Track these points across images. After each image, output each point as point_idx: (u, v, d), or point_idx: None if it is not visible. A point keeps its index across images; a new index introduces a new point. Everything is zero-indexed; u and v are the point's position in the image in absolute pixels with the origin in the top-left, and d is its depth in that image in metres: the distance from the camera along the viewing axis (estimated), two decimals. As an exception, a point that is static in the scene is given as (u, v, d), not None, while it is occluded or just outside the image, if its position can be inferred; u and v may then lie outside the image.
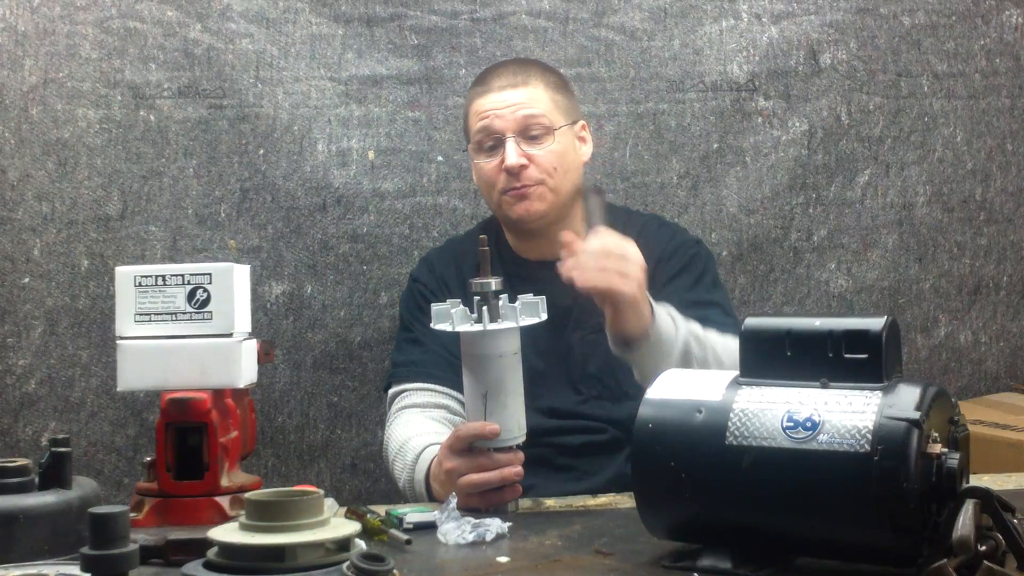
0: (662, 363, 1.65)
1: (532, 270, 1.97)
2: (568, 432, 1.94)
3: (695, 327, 1.74)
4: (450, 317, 1.55)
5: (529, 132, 1.94)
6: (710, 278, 1.99)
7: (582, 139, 2.05)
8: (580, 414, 1.95)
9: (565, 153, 1.97)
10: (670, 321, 1.70)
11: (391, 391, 1.98)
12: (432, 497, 1.69)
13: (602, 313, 1.71)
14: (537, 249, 2.01)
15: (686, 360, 1.69)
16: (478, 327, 1.55)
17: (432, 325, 1.59)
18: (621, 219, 2.06)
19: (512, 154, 1.92)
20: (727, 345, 1.75)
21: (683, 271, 1.97)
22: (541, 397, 1.90)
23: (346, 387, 2.42)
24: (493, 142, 1.96)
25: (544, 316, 1.59)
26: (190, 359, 1.44)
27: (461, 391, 1.83)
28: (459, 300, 1.59)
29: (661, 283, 1.94)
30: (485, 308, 1.55)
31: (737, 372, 1.26)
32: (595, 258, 1.64)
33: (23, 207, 2.32)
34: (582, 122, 2.07)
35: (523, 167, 1.92)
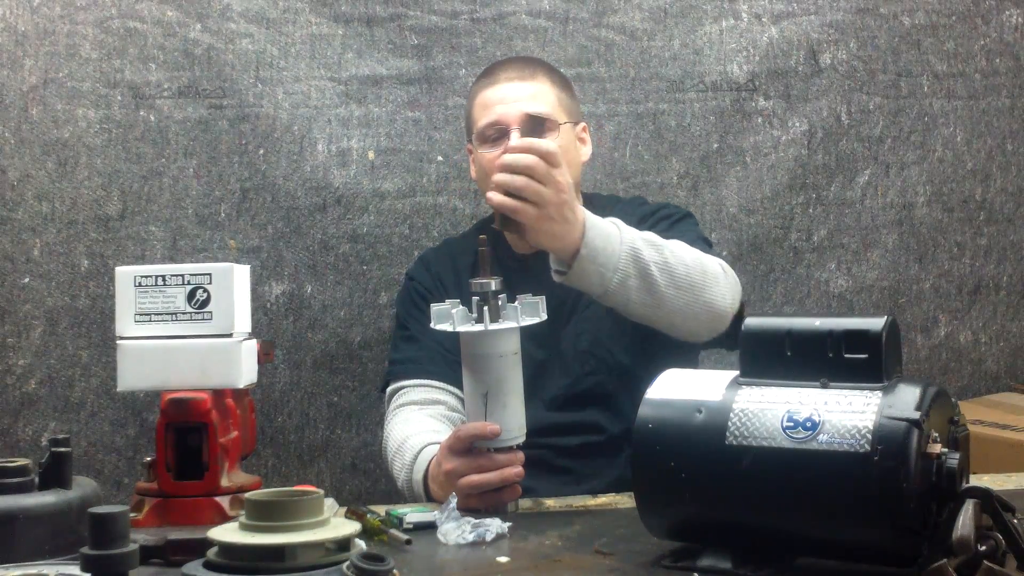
0: (610, 275, 1.63)
1: (529, 264, 1.97)
2: (567, 432, 1.95)
3: (649, 234, 1.70)
4: (450, 317, 1.56)
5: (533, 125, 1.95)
6: (685, 224, 1.97)
7: (582, 140, 2.07)
8: (577, 396, 1.94)
9: (567, 150, 1.98)
10: (613, 228, 1.66)
11: (389, 388, 1.98)
12: (430, 497, 1.69)
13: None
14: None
15: (639, 266, 1.64)
16: (478, 327, 1.55)
17: (432, 325, 1.59)
18: (608, 204, 2.08)
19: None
20: (691, 250, 1.73)
21: (657, 224, 1.96)
22: (544, 387, 1.92)
23: (346, 387, 2.42)
24: (497, 133, 1.96)
25: (544, 316, 1.59)
26: (190, 359, 1.43)
27: (458, 387, 1.83)
28: (457, 300, 1.59)
29: None
30: (485, 308, 1.55)
31: (737, 372, 1.26)
32: (514, 178, 1.59)
33: (23, 207, 2.32)
34: (583, 124, 2.08)
35: None
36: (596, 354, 1.93)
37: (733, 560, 1.21)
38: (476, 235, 2.06)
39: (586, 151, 2.08)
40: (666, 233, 1.92)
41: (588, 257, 1.61)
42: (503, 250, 2.03)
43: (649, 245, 1.68)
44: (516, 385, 1.58)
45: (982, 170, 2.63)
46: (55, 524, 1.25)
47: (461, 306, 1.57)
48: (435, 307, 1.59)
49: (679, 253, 1.71)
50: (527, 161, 1.59)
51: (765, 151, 2.52)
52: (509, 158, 1.60)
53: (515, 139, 1.93)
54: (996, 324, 2.65)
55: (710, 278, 1.72)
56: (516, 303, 1.58)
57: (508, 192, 1.60)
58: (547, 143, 1.63)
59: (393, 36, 2.44)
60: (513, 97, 1.96)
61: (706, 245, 1.94)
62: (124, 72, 2.36)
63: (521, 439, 1.59)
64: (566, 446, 1.94)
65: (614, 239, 1.64)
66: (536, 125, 1.79)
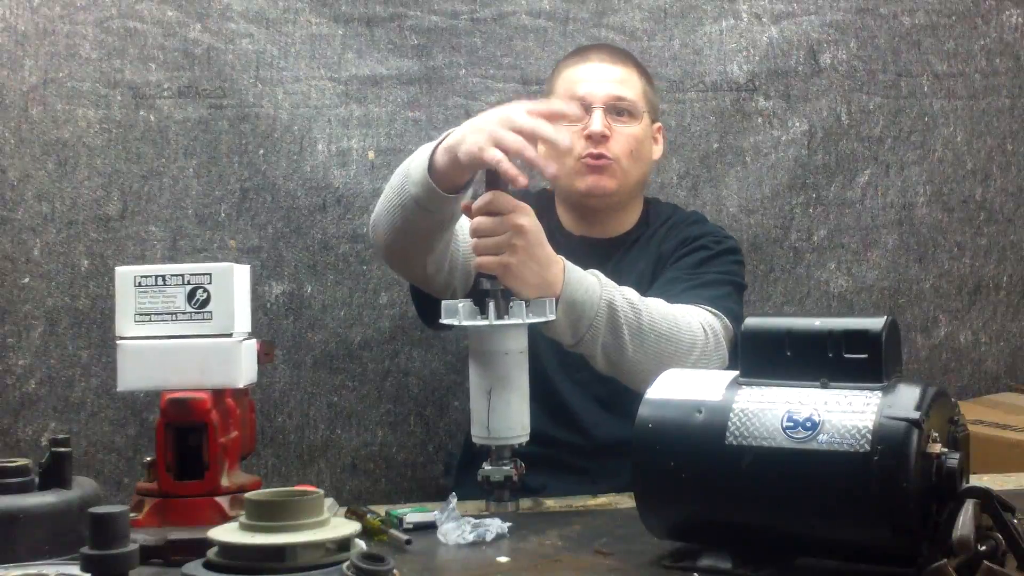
0: (584, 329, 1.64)
1: (575, 245, 1.96)
2: (585, 426, 1.95)
3: (629, 292, 1.71)
4: (457, 312, 1.56)
5: (617, 109, 1.98)
6: (716, 266, 1.96)
7: (655, 140, 2.08)
8: (598, 396, 1.95)
9: (644, 141, 2.01)
10: (593, 281, 1.67)
11: None
12: (432, 168, 1.59)
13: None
14: (586, 227, 2.05)
15: (613, 325, 1.65)
16: (484, 322, 1.55)
17: (441, 320, 1.59)
18: (667, 211, 2.12)
19: (598, 122, 1.95)
20: (670, 315, 1.72)
21: (693, 252, 1.97)
22: (579, 371, 1.92)
23: (346, 387, 2.42)
24: (580, 107, 1.96)
25: (552, 316, 1.59)
26: (190, 359, 1.43)
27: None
28: (469, 299, 1.59)
29: (672, 263, 1.97)
30: (492, 304, 1.55)
31: (737, 372, 1.26)
32: (483, 240, 1.59)
33: (23, 207, 2.32)
34: (659, 124, 2.10)
35: (605, 136, 1.95)
36: None
37: (733, 560, 1.21)
38: (539, 200, 2.05)
39: (658, 151, 2.11)
40: (696, 268, 1.94)
41: (565, 308, 1.62)
42: (553, 223, 2.04)
43: (628, 304, 1.68)
44: (521, 384, 1.57)
45: (982, 170, 2.63)
46: (55, 524, 1.25)
47: (468, 301, 1.57)
48: (445, 303, 1.59)
49: (656, 318, 1.70)
50: (474, 225, 1.59)
51: (765, 151, 2.52)
52: (472, 225, 1.60)
53: (597, 116, 1.94)
54: (996, 324, 2.65)
55: (684, 348, 1.71)
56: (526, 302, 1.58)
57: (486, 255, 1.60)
58: (489, 194, 1.59)
59: (393, 36, 2.44)
60: (602, 77, 1.99)
61: (732, 289, 1.94)
62: (124, 72, 2.35)
63: (524, 439, 1.58)
64: (576, 445, 1.94)
65: (593, 293, 1.65)
66: (492, 176, 1.60)
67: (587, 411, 1.97)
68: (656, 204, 2.14)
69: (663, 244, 2.02)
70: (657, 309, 1.72)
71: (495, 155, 1.52)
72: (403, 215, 1.68)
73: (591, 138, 1.95)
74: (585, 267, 1.70)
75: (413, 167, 1.65)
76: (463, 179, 1.62)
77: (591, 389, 1.96)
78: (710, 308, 1.82)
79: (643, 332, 1.68)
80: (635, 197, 2.08)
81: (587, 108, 1.96)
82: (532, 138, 1.54)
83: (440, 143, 1.62)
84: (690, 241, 2.00)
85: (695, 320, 1.76)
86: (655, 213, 2.10)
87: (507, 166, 1.52)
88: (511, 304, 1.57)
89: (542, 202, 2.06)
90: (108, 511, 0.96)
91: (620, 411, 1.92)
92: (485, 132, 1.54)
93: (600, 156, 1.95)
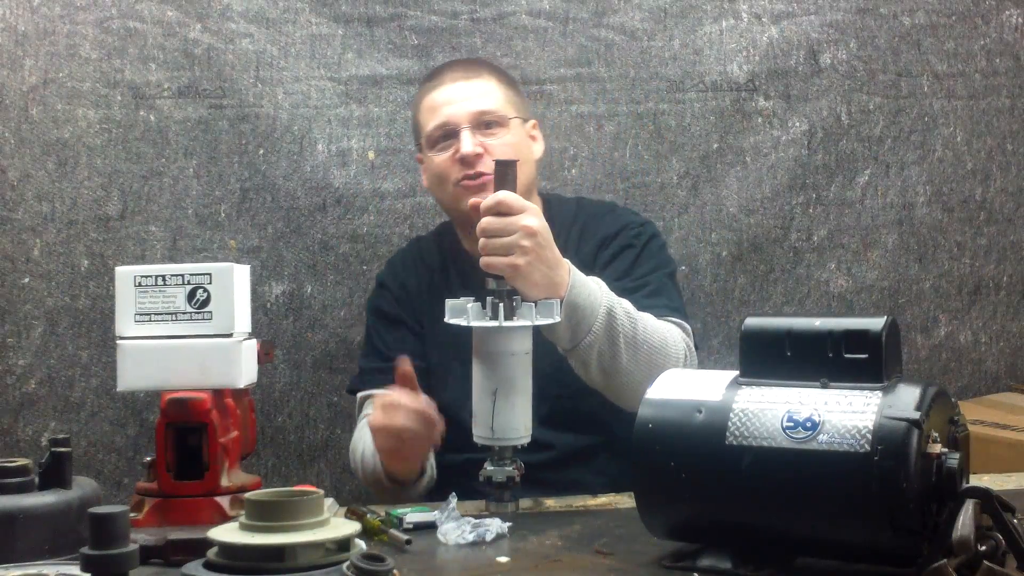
0: (583, 334, 1.64)
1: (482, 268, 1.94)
2: (543, 448, 1.93)
3: (626, 303, 1.71)
4: (465, 312, 1.56)
5: (483, 122, 1.94)
6: (649, 261, 1.95)
7: (533, 138, 2.05)
8: (550, 415, 1.90)
9: (519, 146, 1.97)
10: (595, 287, 1.67)
11: (359, 395, 1.98)
12: (387, 472, 1.76)
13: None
14: None
15: (610, 334, 1.65)
16: (492, 323, 1.55)
17: (446, 319, 1.59)
18: (571, 209, 2.07)
19: (467, 143, 1.91)
20: (660, 330, 1.74)
21: (620, 254, 1.95)
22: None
23: (346, 387, 2.42)
24: (446, 134, 1.95)
25: (559, 318, 1.59)
26: (190, 359, 1.44)
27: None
28: (468, 299, 1.59)
29: (600, 267, 1.93)
30: (500, 305, 1.55)
31: (737, 372, 1.26)
32: (491, 240, 1.60)
33: (23, 207, 2.32)
34: (533, 121, 2.07)
35: (478, 155, 1.91)
36: (559, 379, 1.82)
37: (733, 560, 1.21)
38: (442, 233, 2.07)
39: (538, 148, 2.06)
40: (629, 272, 1.92)
41: (567, 312, 1.62)
42: (460, 253, 2.01)
43: (625, 313, 1.68)
44: (525, 385, 1.58)
45: (982, 170, 2.63)
46: (55, 524, 1.25)
47: (476, 302, 1.57)
48: (450, 302, 1.59)
49: (649, 330, 1.71)
50: (483, 225, 1.60)
51: (765, 151, 2.52)
52: (481, 224, 1.60)
53: (466, 137, 1.92)
54: (996, 324, 2.65)
55: (671, 362, 1.71)
56: (533, 303, 1.58)
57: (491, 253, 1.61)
58: (499, 195, 1.61)
59: (393, 36, 2.44)
60: (460, 96, 1.95)
61: (670, 282, 1.94)
62: (124, 72, 2.36)
63: (526, 440, 1.59)
64: (537, 462, 1.92)
65: (595, 298, 1.65)
66: (502, 169, 1.64)
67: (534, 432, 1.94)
68: (557, 202, 2.09)
69: (580, 249, 1.96)
70: (649, 322, 1.73)
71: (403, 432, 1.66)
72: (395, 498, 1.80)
73: (464, 161, 1.92)
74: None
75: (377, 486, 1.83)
76: (417, 468, 1.79)
77: (535, 414, 1.93)
78: (675, 319, 1.83)
79: (637, 343, 1.69)
80: (528, 200, 2.03)
81: (453, 132, 1.94)
82: (392, 426, 1.67)
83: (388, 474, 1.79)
84: (610, 240, 1.97)
85: (678, 335, 1.79)
86: (558, 213, 2.02)
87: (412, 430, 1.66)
88: (518, 306, 1.57)
89: (445, 234, 2.05)
90: (108, 511, 0.96)
91: (563, 425, 1.90)
92: (381, 440, 1.71)
93: (478, 175, 1.92)
